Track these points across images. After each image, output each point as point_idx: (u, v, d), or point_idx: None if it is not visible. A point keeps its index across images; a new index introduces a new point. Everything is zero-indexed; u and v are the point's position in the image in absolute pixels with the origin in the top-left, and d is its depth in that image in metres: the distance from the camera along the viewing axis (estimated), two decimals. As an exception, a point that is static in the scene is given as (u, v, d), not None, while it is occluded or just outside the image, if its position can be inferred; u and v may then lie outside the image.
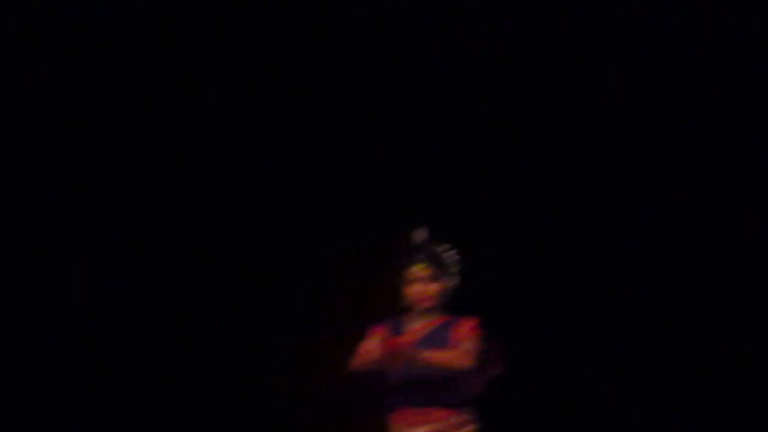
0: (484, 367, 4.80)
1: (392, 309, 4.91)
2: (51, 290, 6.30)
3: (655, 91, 6.23)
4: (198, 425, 6.35)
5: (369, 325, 4.91)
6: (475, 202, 6.44)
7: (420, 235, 4.94)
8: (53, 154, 6.29)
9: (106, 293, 6.34)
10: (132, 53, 6.30)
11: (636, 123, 6.31)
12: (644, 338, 6.29)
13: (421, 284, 4.89)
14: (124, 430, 6.33)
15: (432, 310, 4.92)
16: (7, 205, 6.25)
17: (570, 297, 6.36)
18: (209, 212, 6.43)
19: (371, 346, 4.78)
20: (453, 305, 4.90)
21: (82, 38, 6.25)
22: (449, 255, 4.93)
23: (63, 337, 6.32)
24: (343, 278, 6.43)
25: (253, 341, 6.39)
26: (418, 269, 4.89)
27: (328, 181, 6.53)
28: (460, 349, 4.79)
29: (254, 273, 6.45)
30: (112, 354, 6.35)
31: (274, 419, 6.40)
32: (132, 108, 6.34)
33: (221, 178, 6.44)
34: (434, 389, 4.76)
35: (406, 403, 4.79)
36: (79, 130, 6.31)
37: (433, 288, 4.90)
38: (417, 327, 4.90)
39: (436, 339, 4.84)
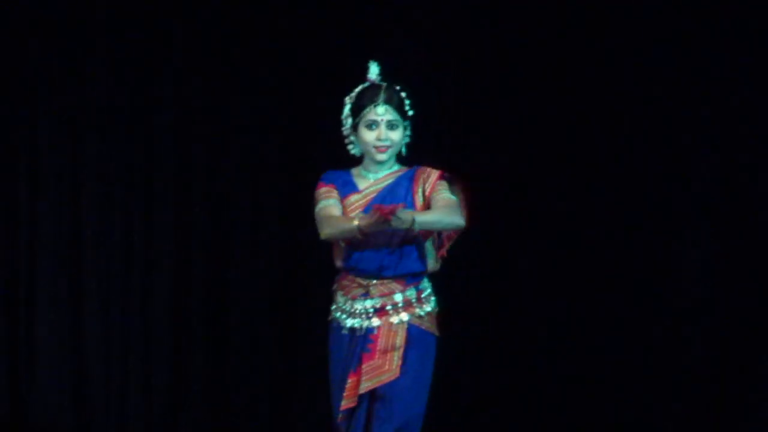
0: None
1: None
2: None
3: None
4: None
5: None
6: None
7: (374, 71, 4.36)
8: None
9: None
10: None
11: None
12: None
13: (382, 130, 4.27)
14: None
15: (388, 162, 4.32)
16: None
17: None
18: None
19: (334, 210, 4.25)
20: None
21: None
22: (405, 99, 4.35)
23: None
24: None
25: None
26: (383, 111, 4.28)
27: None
28: (439, 203, 4.22)
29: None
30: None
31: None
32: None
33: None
34: (401, 256, 4.24)
35: (359, 270, 4.25)
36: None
37: (395, 135, 4.28)
38: (372, 182, 4.31)
39: (396, 195, 4.26)
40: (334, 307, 4.33)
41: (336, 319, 4.31)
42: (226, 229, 6.20)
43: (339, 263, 4.33)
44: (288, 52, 6.16)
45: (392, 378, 4.17)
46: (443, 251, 4.36)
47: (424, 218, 4.13)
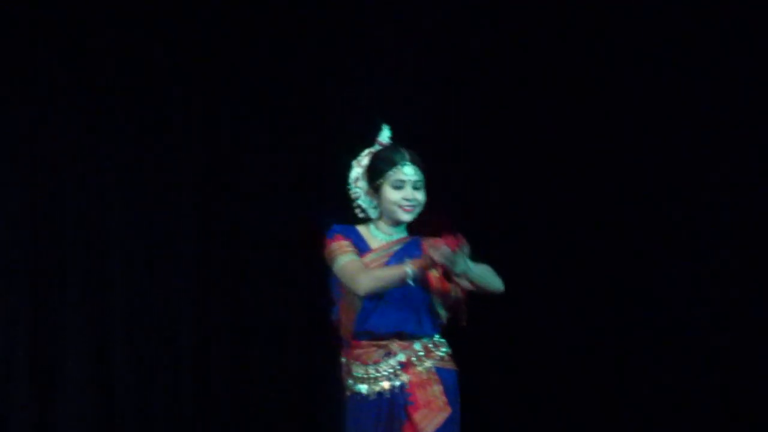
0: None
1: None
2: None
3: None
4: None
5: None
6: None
7: (386, 134, 4.34)
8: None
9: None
10: None
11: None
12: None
13: (409, 190, 4.23)
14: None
15: (401, 226, 4.28)
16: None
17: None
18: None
19: (360, 264, 4.13)
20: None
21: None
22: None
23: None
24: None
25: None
26: (411, 172, 4.24)
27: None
28: (485, 265, 4.15)
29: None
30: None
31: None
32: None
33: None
34: (397, 320, 4.18)
35: (376, 334, 4.19)
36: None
37: (419, 196, 4.24)
38: (385, 243, 4.26)
39: (412, 257, 4.14)
40: (351, 381, 4.26)
41: (358, 392, 4.24)
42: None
43: (347, 331, 4.27)
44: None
45: (447, 414, 4.16)
46: (464, 317, 4.32)
47: (476, 269, 4.08)
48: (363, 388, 4.23)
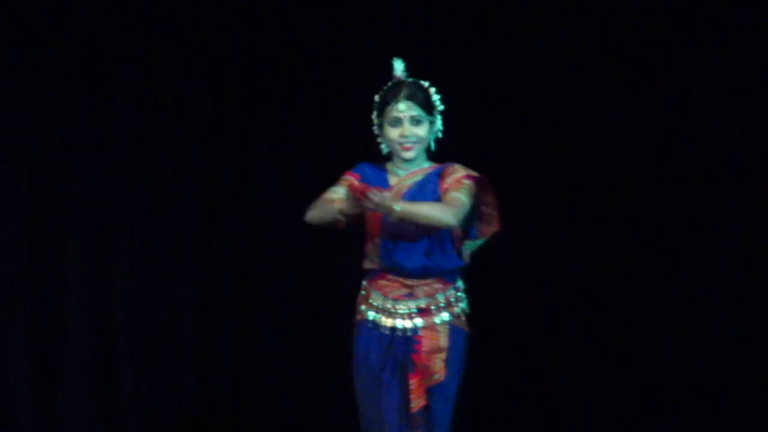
0: (474, 225, 4.26)
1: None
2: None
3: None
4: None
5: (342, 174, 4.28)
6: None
7: (398, 67, 4.30)
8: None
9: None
10: None
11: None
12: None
13: (406, 126, 4.20)
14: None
15: (417, 159, 4.25)
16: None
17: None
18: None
19: (335, 196, 4.14)
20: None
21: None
22: (433, 94, 4.27)
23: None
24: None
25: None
26: (405, 108, 4.20)
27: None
28: (445, 200, 4.14)
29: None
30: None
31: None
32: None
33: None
34: (424, 253, 4.18)
35: (394, 267, 4.20)
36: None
37: (420, 131, 4.22)
38: (402, 178, 4.25)
39: (425, 192, 4.19)
40: (364, 307, 4.27)
41: (370, 320, 4.24)
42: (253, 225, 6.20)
43: (372, 263, 4.27)
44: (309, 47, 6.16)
45: (439, 381, 4.18)
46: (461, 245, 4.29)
47: (410, 209, 4.04)
48: (377, 316, 4.23)
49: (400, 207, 4.00)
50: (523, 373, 6.09)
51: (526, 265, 6.05)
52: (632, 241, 6.02)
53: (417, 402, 4.15)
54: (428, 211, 4.08)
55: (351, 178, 4.24)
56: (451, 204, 4.10)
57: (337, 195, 4.15)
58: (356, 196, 3.96)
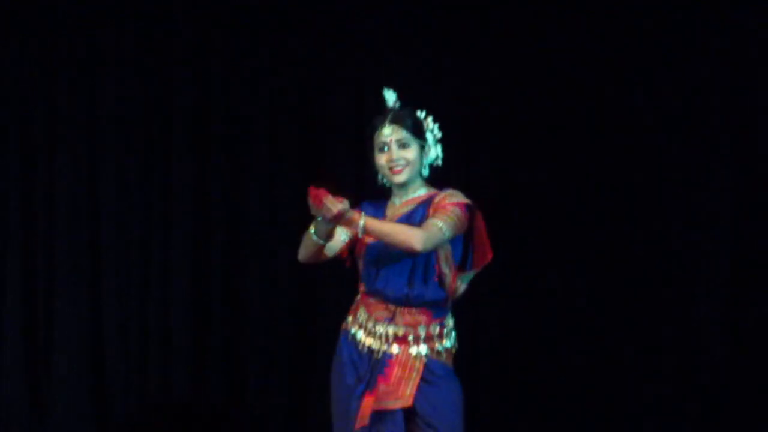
0: (469, 256, 4.18)
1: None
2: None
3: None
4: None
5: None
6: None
7: (390, 98, 4.21)
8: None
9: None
10: None
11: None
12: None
13: (393, 150, 4.14)
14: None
15: (411, 185, 4.19)
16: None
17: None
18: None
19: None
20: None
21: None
22: (427, 120, 4.23)
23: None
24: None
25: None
26: (389, 132, 4.15)
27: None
28: (423, 224, 4.06)
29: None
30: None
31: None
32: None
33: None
34: (405, 281, 4.12)
35: (377, 293, 4.16)
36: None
37: (407, 154, 4.15)
38: (396, 207, 4.20)
39: (413, 221, 4.11)
40: (350, 318, 4.25)
41: (351, 333, 4.22)
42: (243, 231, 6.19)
43: (361, 285, 4.25)
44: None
45: (404, 405, 4.09)
46: (455, 285, 4.24)
47: (376, 226, 4.02)
48: (357, 332, 4.21)
49: (363, 222, 3.98)
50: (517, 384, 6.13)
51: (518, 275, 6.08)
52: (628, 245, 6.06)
53: (360, 421, 4.10)
54: (394, 231, 4.04)
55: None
56: (423, 228, 4.04)
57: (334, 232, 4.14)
58: (314, 202, 3.92)
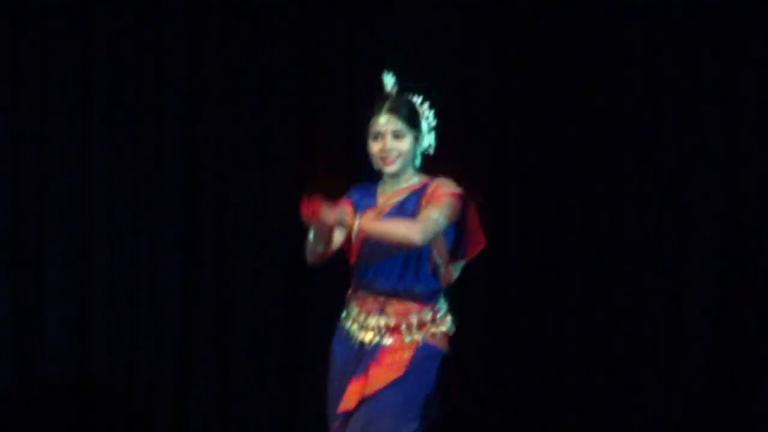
0: (461, 245, 4.13)
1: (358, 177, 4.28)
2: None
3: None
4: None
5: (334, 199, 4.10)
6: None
7: (389, 81, 4.15)
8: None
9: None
10: None
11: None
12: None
13: (387, 140, 4.10)
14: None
15: (403, 174, 4.14)
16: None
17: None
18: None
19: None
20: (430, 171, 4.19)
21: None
22: (423, 108, 4.17)
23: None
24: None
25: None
26: (384, 121, 4.11)
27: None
28: (419, 217, 4.03)
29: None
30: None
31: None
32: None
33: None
34: (400, 272, 4.09)
35: (366, 285, 4.13)
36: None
37: (401, 145, 4.11)
38: (388, 196, 4.16)
39: (405, 212, 4.08)
40: (345, 314, 4.22)
41: (346, 329, 4.19)
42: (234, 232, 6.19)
43: (353, 279, 4.22)
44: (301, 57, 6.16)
45: (397, 376, 4.04)
46: (449, 274, 4.20)
47: (374, 226, 4.00)
48: (351, 327, 4.18)
49: (357, 226, 3.97)
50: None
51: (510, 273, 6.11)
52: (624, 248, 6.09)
53: (345, 403, 4.07)
54: (393, 228, 4.01)
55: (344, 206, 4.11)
56: (420, 221, 4.01)
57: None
58: (309, 216, 3.91)
